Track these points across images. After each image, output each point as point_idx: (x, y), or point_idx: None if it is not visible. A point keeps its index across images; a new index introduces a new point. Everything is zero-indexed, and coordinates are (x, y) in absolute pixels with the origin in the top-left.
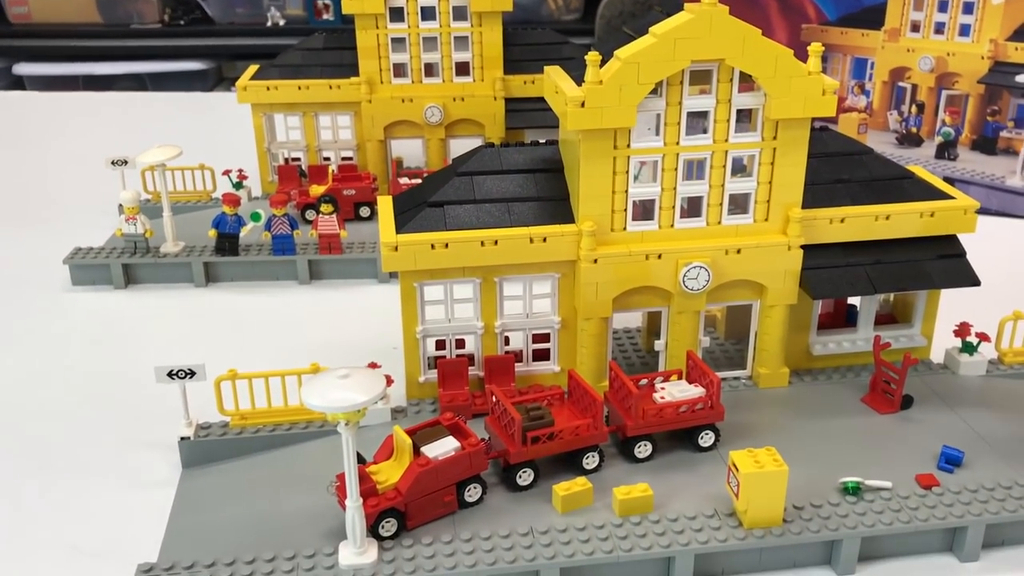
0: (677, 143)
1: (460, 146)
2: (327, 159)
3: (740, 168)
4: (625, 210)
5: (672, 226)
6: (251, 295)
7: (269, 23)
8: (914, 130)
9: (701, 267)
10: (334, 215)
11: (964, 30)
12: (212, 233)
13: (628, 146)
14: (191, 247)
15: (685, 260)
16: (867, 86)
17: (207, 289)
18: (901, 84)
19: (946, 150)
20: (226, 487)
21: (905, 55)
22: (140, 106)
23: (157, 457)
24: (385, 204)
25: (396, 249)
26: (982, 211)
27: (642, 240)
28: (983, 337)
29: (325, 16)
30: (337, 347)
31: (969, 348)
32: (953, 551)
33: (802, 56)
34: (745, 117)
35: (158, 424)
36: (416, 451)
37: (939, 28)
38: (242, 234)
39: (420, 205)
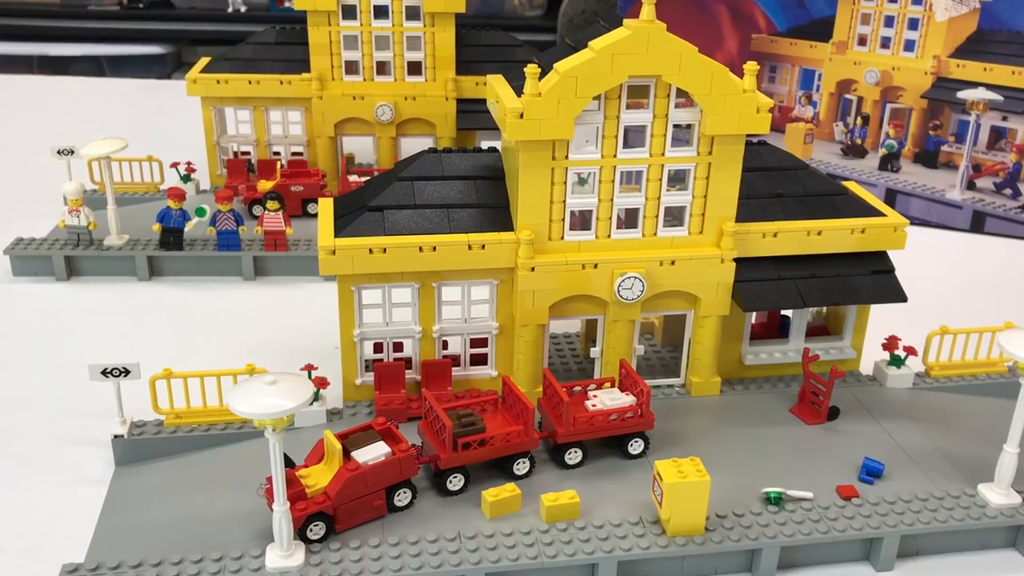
0: (615, 156)
1: (411, 145)
2: (277, 154)
3: (677, 180)
4: (563, 220)
5: (609, 236)
6: (195, 290)
7: (230, 9)
8: (859, 142)
9: (636, 277)
10: (280, 212)
11: (909, 45)
12: (156, 227)
13: (566, 157)
14: (135, 240)
15: (620, 270)
16: (814, 97)
17: (151, 283)
18: (847, 96)
19: (889, 162)
20: (158, 486)
21: (852, 68)
22: (93, 92)
23: (90, 454)
24: (325, 206)
25: (334, 253)
26: (922, 223)
27: (579, 250)
28: (910, 351)
29: (287, 3)
30: (279, 346)
31: (897, 361)
32: (870, 560)
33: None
34: (682, 132)
35: (93, 421)
36: (347, 455)
37: (885, 43)
38: (187, 229)
39: (360, 209)
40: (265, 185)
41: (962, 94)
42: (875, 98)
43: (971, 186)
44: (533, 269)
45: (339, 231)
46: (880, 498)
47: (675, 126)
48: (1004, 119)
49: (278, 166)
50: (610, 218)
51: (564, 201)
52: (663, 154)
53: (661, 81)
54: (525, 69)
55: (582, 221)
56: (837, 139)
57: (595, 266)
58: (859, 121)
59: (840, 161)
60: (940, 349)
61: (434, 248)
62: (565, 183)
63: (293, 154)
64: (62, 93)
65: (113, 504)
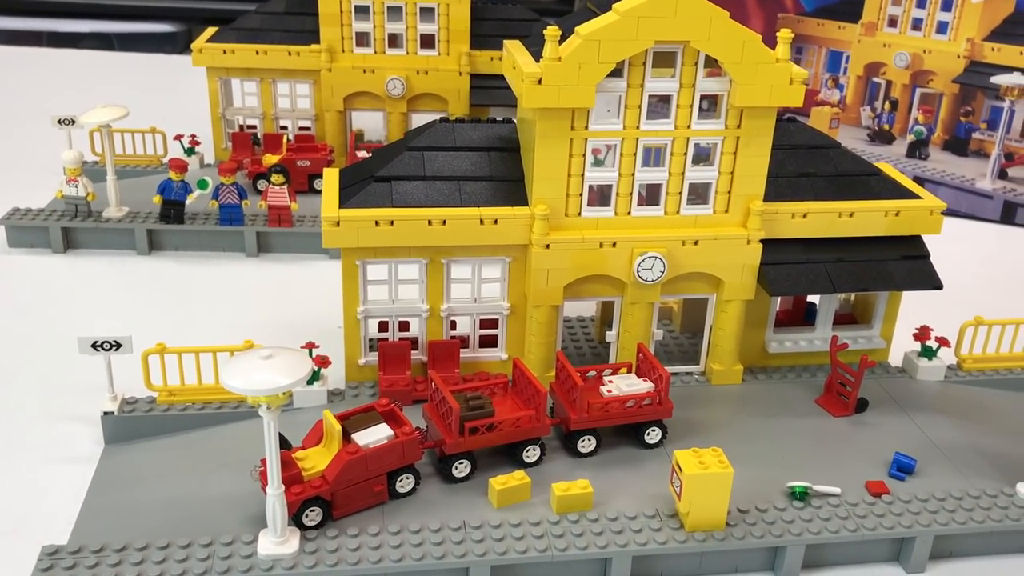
0: (637, 127)
1: (422, 120)
2: (284, 128)
3: (703, 156)
4: (580, 195)
5: (629, 213)
6: (195, 266)
7: None
8: (886, 127)
9: (656, 257)
10: (285, 186)
11: (942, 27)
12: (157, 199)
13: (586, 127)
14: (135, 213)
15: (640, 250)
16: (841, 80)
17: (150, 257)
18: (876, 79)
19: (917, 149)
20: (149, 466)
21: (881, 50)
22: (101, 66)
23: (79, 431)
24: (331, 176)
25: (338, 224)
26: (950, 213)
27: (597, 227)
28: (943, 342)
29: None
30: (280, 324)
31: (928, 352)
32: (900, 561)
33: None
34: (710, 103)
35: (83, 397)
36: (347, 438)
37: (916, 24)
38: (188, 202)
39: (367, 179)
40: (271, 159)
41: (996, 79)
42: (904, 82)
43: (1003, 175)
44: (548, 246)
45: (344, 202)
46: (912, 495)
47: (703, 97)
48: None
49: (284, 140)
50: (630, 194)
51: (582, 175)
52: (689, 127)
53: (689, 48)
54: (545, 31)
55: (601, 196)
56: (864, 124)
57: (613, 244)
58: (887, 106)
59: (867, 147)
60: (974, 341)
61: (444, 222)
62: (584, 155)
63: (301, 128)
64: (69, 65)
65: (100, 484)
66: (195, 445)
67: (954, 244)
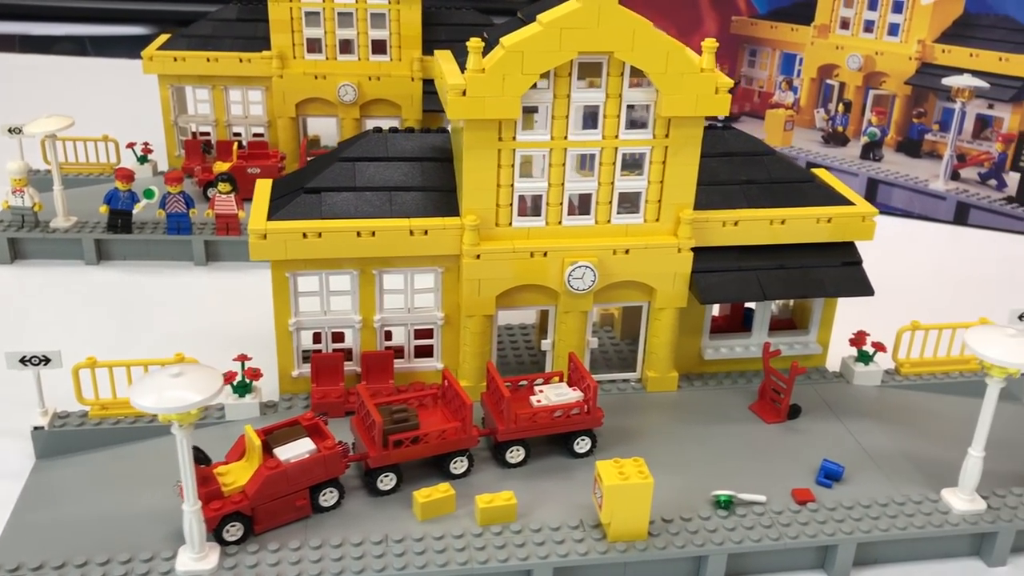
0: (565, 137)
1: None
2: (238, 135)
3: (633, 165)
4: (511, 205)
5: (560, 223)
6: (144, 275)
7: None
8: (840, 129)
9: (587, 267)
10: (232, 195)
11: (893, 29)
12: (103, 209)
13: (514, 138)
14: (83, 223)
15: (571, 259)
16: (795, 82)
17: (98, 267)
18: (829, 81)
19: (871, 151)
20: (78, 481)
21: (834, 52)
22: (72, 71)
23: (9, 446)
24: (263, 188)
25: (265, 237)
26: (904, 214)
27: (528, 237)
28: (879, 347)
29: None
30: (225, 335)
31: (864, 358)
32: (824, 568)
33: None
34: (638, 113)
35: (14, 410)
36: (269, 452)
37: (868, 26)
38: (135, 211)
39: (296, 191)
40: (222, 167)
41: (947, 81)
42: (857, 84)
43: (955, 176)
44: (479, 257)
45: (272, 214)
46: (837, 503)
47: (630, 106)
48: (990, 107)
49: (235, 147)
50: (561, 204)
51: (512, 185)
52: (617, 136)
53: (614, 58)
54: (468, 43)
55: (532, 206)
56: (818, 126)
57: (544, 254)
58: (841, 108)
59: (821, 149)
60: (911, 345)
61: (373, 233)
62: (513, 166)
63: (255, 135)
64: (38, 71)
65: (28, 500)
66: (125, 459)
67: (908, 245)
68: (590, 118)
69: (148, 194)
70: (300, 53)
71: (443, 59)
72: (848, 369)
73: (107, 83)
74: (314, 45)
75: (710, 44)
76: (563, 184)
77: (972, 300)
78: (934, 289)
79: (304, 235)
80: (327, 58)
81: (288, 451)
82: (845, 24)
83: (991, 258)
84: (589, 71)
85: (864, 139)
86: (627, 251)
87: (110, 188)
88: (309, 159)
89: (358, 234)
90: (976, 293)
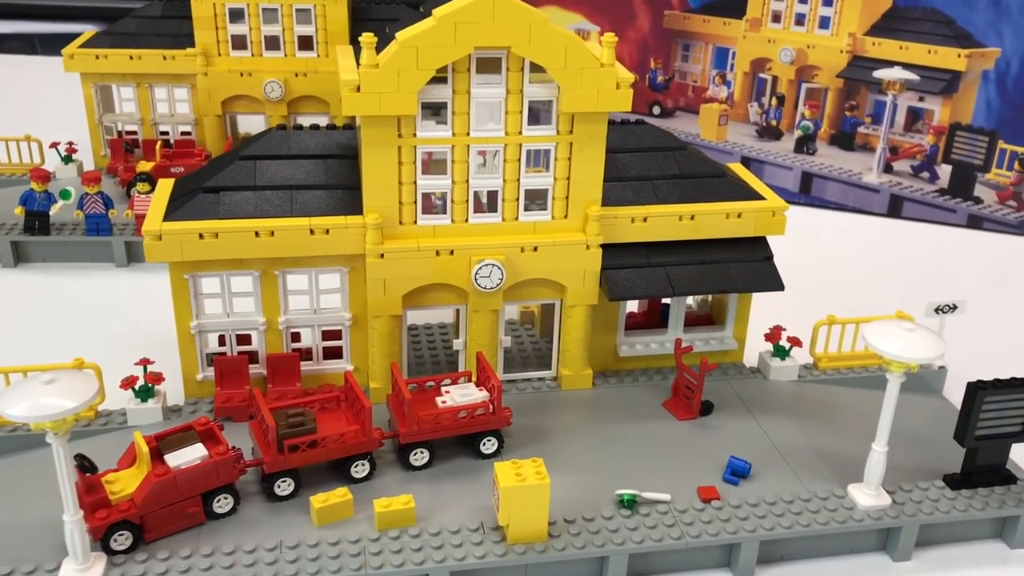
0: (467, 134)
1: (305, 123)
2: (165, 134)
3: (539, 161)
4: (414, 203)
5: (466, 221)
6: (64, 278)
7: None
8: (774, 123)
9: (494, 265)
10: (151, 194)
11: (824, 22)
12: (19, 211)
13: (414, 135)
14: (0, 224)
15: (478, 257)
16: (728, 76)
17: (16, 270)
18: (762, 75)
19: (805, 144)
20: None
21: (766, 46)
22: (18, 69)
23: None
24: (163, 188)
25: (160, 238)
26: (839, 207)
27: (434, 235)
28: (794, 342)
29: None
30: (139, 338)
31: (781, 352)
32: (730, 567)
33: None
34: (542, 109)
35: None
36: (160, 458)
37: (800, 19)
38: (52, 212)
39: (195, 191)
40: (145, 166)
41: (878, 73)
42: (790, 78)
43: (888, 169)
44: (382, 256)
45: (168, 215)
46: (743, 500)
47: (531, 103)
48: (921, 99)
49: (158, 146)
50: (467, 201)
51: (414, 183)
52: (520, 133)
53: (512, 53)
54: (361, 38)
55: (436, 204)
56: (752, 120)
57: (451, 253)
58: (774, 102)
59: (755, 143)
60: (828, 339)
61: (272, 233)
62: (415, 163)
63: (182, 133)
64: None
65: None
66: (13, 469)
67: (841, 239)
68: (492, 114)
69: (64, 195)
70: (225, 50)
71: (342, 54)
72: (765, 364)
73: (43, 82)
74: (239, 42)
75: (609, 39)
76: (467, 181)
77: (899, 293)
78: (863, 283)
79: (200, 236)
80: (252, 55)
81: (178, 457)
82: (777, 17)
83: (923, 250)
84: (488, 66)
85: (798, 133)
86: (535, 248)
87: (26, 189)
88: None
89: (256, 234)
90: (904, 286)
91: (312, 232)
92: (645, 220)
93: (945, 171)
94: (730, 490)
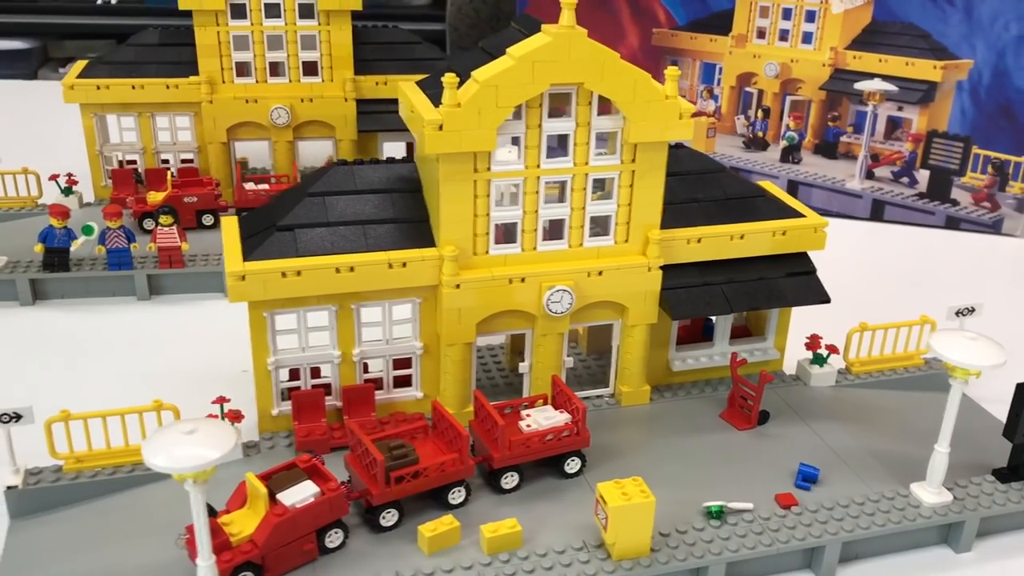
0: (538, 166)
1: (309, 148)
2: (165, 162)
3: (601, 189)
4: (487, 233)
5: (535, 249)
6: (85, 314)
7: (99, 1)
8: (760, 134)
9: (565, 290)
10: (174, 226)
11: (807, 38)
12: (39, 248)
13: (488, 168)
14: (15, 262)
15: (548, 283)
16: (715, 91)
17: (35, 308)
18: (748, 89)
19: (790, 154)
20: (62, 540)
21: (751, 61)
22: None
23: None
24: (230, 226)
25: (243, 278)
26: (823, 213)
27: (505, 263)
28: (832, 349)
29: None
30: (183, 373)
31: (820, 360)
32: (812, 568)
33: (653, 60)
34: (604, 139)
35: None
36: (272, 498)
37: (784, 35)
38: (73, 248)
39: (268, 228)
40: (156, 197)
41: (859, 85)
42: (775, 91)
43: (870, 175)
44: (458, 286)
45: (248, 254)
46: (819, 505)
47: (598, 134)
48: (899, 109)
49: (169, 176)
50: (535, 230)
51: (488, 214)
52: (587, 163)
53: (583, 88)
54: (443, 79)
55: (507, 234)
56: (739, 132)
57: (522, 280)
58: (760, 114)
59: (742, 154)
60: (860, 345)
61: (352, 268)
62: (488, 196)
63: (183, 161)
64: None
65: (11, 564)
66: (109, 512)
67: (829, 243)
68: (561, 146)
69: (87, 230)
70: (229, 77)
71: (411, 92)
72: (804, 372)
73: (29, 108)
74: (243, 69)
75: (673, 72)
76: (537, 211)
77: (898, 293)
78: (859, 284)
79: (283, 274)
80: (257, 81)
81: (292, 495)
82: (761, 34)
83: (907, 251)
84: (558, 101)
85: (783, 143)
86: (600, 273)
87: (44, 226)
88: (245, 183)
89: (337, 270)
90: (899, 286)
91: (390, 266)
92: (699, 241)
93: (924, 176)
94: (803, 495)
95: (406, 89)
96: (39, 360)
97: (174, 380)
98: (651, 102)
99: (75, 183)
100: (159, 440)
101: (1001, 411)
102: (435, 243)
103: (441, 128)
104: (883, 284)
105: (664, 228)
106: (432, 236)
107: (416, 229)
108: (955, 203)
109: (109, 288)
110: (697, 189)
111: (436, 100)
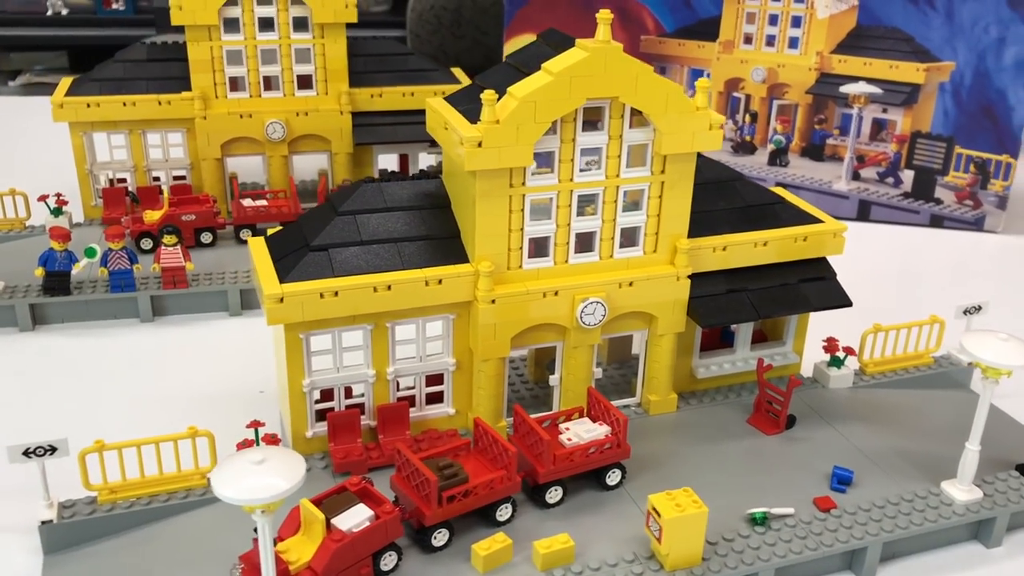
0: (571, 180)
1: (304, 162)
2: (157, 179)
3: (631, 201)
4: (521, 248)
5: (567, 262)
6: (88, 338)
7: (49, 12)
8: (748, 138)
9: (598, 302)
10: (178, 246)
11: (793, 43)
12: (39, 272)
13: (523, 183)
14: (13, 286)
15: (582, 296)
16: None
17: (35, 333)
18: (736, 94)
19: (778, 157)
20: (101, 573)
21: (739, 66)
22: None
23: (12, 544)
24: (259, 247)
25: (281, 300)
26: None
27: (538, 277)
28: (849, 351)
29: (115, 6)
30: (196, 396)
31: (837, 362)
32: (852, 569)
33: None
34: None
35: (9, 504)
36: (327, 523)
37: (770, 40)
38: (74, 272)
39: (301, 249)
40: (152, 216)
41: (844, 88)
42: (762, 95)
43: (856, 176)
44: (494, 301)
45: (283, 276)
46: (856, 506)
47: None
48: (884, 111)
49: (165, 194)
50: (567, 243)
51: (522, 229)
52: (618, 175)
53: (616, 102)
54: (482, 96)
55: (538, 248)
56: (727, 136)
57: (556, 293)
58: (748, 118)
59: (731, 158)
60: (874, 346)
61: (388, 287)
62: (523, 210)
63: (175, 178)
64: None
65: None
66: (148, 544)
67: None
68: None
69: (89, 253)
70: (223, 92)
71: (444, 109)
72: (822, 374)
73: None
74: (237, 83)
75: (704, 84)
76: (570, 224)
77: (894, 292)
78: (855, 285)
79: (321, 295)
80: (251, 96)
81: (348, 520)
82: (748, 39)
83: (895, 250)
84: (592, 114)
85: (771, 147)
86: (631, 283)
87: (37, 246)
88: (242, 199)
89: (375, 289)
90: (893, 285)
91: (427, 283)
92: (725, 249)
93: (908, 176)
94: (841, 498)
95: (437, 105)
96: (44, 387)
97: (188, 403)
98: (683, 113)
99: (65, 203)
100: (228, 470)
101: (1005, 406)
102: (468, 259)
103: (480, 145)
104: (876, 284)
105: (691, 237)
106: (464, 252)
107: (448, 245)
108: (939, 202)
109: (111, 310)
110: (718, 197)
111: (468, 116)
